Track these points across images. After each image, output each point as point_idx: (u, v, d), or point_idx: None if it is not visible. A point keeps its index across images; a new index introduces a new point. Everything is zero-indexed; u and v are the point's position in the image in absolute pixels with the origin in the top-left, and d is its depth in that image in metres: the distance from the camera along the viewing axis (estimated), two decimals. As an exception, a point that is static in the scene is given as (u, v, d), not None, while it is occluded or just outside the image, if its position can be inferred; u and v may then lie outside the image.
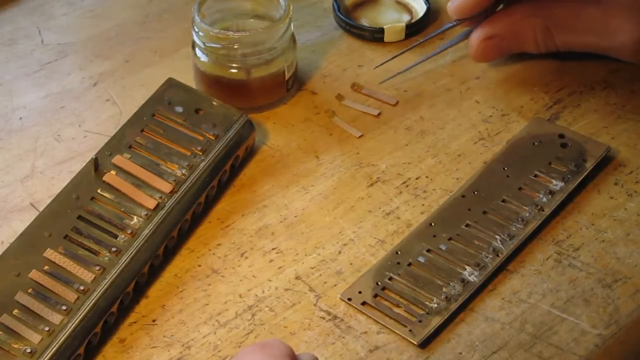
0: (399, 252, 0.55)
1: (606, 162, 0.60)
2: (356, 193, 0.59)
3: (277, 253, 0.56)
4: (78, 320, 0.50)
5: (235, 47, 0.61)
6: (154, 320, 0.52)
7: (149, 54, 0.69)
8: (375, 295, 0.53)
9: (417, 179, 0.60)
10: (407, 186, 0.59)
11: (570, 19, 0.62)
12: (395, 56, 0.66)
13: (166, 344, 0.51)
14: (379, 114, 0.64)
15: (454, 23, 0.65)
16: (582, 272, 0.54)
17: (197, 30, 0.62)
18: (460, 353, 0.50)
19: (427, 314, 0.52)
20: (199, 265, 0.55)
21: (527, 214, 0.56)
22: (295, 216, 0.57)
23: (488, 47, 0.64)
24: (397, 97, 0.65)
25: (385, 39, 0.69)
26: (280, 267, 0.55)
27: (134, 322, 0.52)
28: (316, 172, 0.60)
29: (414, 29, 0.70)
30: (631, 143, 0.61)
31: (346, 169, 0.60)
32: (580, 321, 0.51)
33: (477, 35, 0.64)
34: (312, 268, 0.55)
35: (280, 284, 0.54)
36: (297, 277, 0.54)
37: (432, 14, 0.71)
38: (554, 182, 0.58)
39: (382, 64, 0.65)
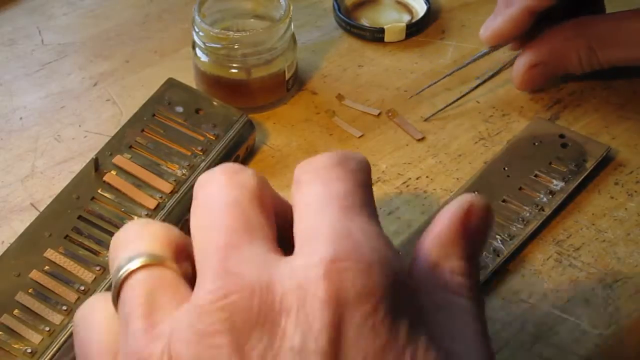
0: (400, 253, 0.55)
1: (606, 162, 0.60)
2: (356, 193, 0.59)
3: (277, 253, 0.55)
4: (78, 320, 0.50)
5: (236, 47, 0.61)
6: (154, 321, 0.52)
7: (149, 54, 0.69)
8: None
9: (417, 179, 0.60)
10: (407, 186, 0.59)
11: (612, 34, 0.61)
12: (431, 85, 0.65)
13: (166, 344, 0.51)
14: (379, 114, 0.64)
15: (487, 50, 0.64)
16: (582, 272, 0.54)
17: (197, 30, 0.62)
18: (461, 353, 0.50)
19: None
20: (200, 265, 0.55)
21: (528, 214, 0.56)
22: (296, 216, 0.57)
23: (534, 75, 0.63)
24: (397, 97, 0.65)
25: (386, 39, 0.69)
26: (280, 267, 0.55)
27: (135, 322, 0.52)
28: (316, 172, 0.60)
29: (414, 29, 0.70)
30: (631, 143, 0.61)
31: (346, 169, 0.60)
32: (581, 321, 0.51)
33: (522, 64, 0.63)
34: (312, 268, 0.55)
35: (280, 284, 0.54)
36: (298, 277, 0.54)
37: (433, 14, 0.71)
38: (555, 182, 0.58)
39: (419, 93, 0.65)
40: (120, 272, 0.39)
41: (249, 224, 0.39)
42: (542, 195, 0.57)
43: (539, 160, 0.59)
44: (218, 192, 0.41)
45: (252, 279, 0.37)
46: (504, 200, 0.57)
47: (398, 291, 0.37)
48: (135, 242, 0.41)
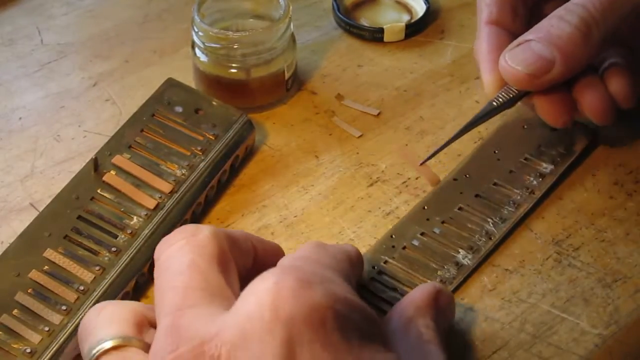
0: (393, 236, 0.55)
1: (594, 145, 0.60)
2: (356, 193, 0.59)
3: (277, 253, 0.55)
4: (78, 320, 0.50)
5: (235, 47, 0.61)
6: (153, 320, 0.52)
7: (148, 54, 0.69)
8: (372, 279, 0.53)
9: (416, 178, 0.60)
10: (406, 186, 0.59)
11: None
12: (446, 144, 0.55)
13: (166, 344, 0.51)
14: (379, 113, 0.64)
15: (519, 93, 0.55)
16: (582, 272, 0.54)
17: (196, 30, 0.62)
18: (461, 353, 0.50)
19: None
20: (199, 265, 0.55)
21: (519, 197, 0.57)
22: (295, 216, 0.57)
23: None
24: (397, 97, 0.65)
25: (385, 39, 0.69)
26: (280, 267, 0.55)
27: (134, 322, 0.52)
28: (316, 172, 0.60)
29: (414, 29, 0.70)
30: (631, 143, 0.61)
31: (346, 169, 0.60)
32: (580, 321, 0.51)
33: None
34: (312, 268, 0.55)
35: (280, 284, 0.54)
36: (297, 277, 0.54)
37: (432, 14, 0.71)
38: (544, 165, 0.59)
39: (430, 157, 0.56)
40: (92, 354, 0.42)
41: (208, 285, 0.41)
42: (532, 178, 0.58)
43: (528, 144, 0.60)
44: (176, 255, 0.43)
45: (202, 331, 0.38)
46: (495, 184, 0.58)
47: (344, 305, 0.38)
48: (101, 326, 0.43)
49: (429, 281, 0.53)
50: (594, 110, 0.55)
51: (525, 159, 0.59)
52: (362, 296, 0.51)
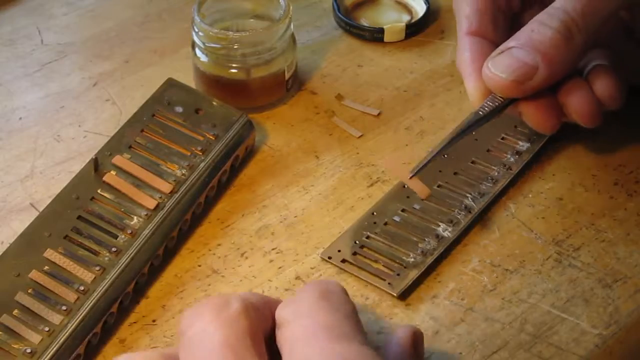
0: (374, 213, 0.56)
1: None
2: (356, 193, 0.59)
3: (277, 253, 0.56)
4: (78, 320, 0.50)
5: (235, 47, 0.61)
6: (154, 321, 0.52)
7: (149, 54, 0.69)
8: (355, 253, 0.54)
9: (417, 179, 0.60)
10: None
11: None
12: (435, 154, 0.54)
13: (166, 344, 0.51)
14: (379, 114, 0.64)
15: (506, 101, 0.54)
16: (582, 272, 0.54)
17: (197, 30, 0.62)
18: (461, 353, 0.50)
19: (405, 267, 0.54)
20: (199, 266, 0.55)
21: (496, 173, 0.59)
22: (295, 216, 0.57)
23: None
24: (397, 97, 0.65)
25: (385, 39, 0.69)
26: (280, 267, 0.55)
27: (134, 322, 0.52)
28: (316, 172, 0.60)
29: (414, 29, 0.70)
30: (631, 143, 0.61)
31: (346, 169, 0.60)
32: (581, 321, 0.51)
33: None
34: (312, 268, 0.55)
35: (280, 284, 0.54)
36: (297, 277, 0.54)
37: (432, 14, 0.71)
38: (520, 143, 0.60)
39: (421, 168, 0.54)
40: None
41: None
42: (509, 156, 0.60)
43: (505, 124, 0.61)
44: (206, 330, 0.41)
45: None
46: (472, 162, 0.59)
47: None
48: None
49: (410, 253, 0.54)
50: (581, 113, 0.54)
51: (502, 138, 0.61)
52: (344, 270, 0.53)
